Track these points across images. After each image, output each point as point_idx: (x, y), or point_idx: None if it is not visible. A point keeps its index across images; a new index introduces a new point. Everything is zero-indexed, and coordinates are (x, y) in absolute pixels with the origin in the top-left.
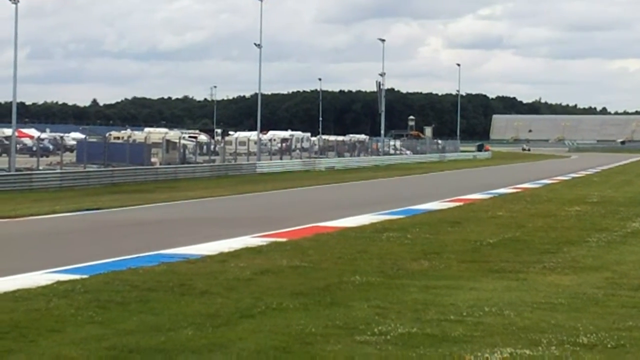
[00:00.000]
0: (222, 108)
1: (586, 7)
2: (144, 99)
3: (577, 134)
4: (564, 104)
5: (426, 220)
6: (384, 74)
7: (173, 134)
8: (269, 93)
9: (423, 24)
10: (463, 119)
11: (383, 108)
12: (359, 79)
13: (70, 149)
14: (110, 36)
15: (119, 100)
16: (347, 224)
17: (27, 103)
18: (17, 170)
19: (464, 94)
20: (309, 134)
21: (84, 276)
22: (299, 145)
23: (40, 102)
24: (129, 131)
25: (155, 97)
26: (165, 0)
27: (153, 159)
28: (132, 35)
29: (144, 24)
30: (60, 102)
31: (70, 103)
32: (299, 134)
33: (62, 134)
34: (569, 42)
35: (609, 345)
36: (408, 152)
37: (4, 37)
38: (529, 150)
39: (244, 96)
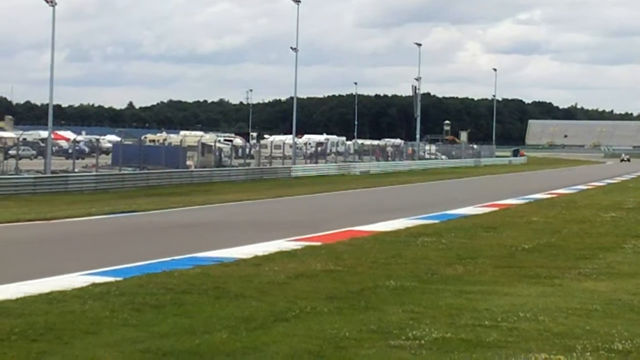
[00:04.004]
0: (257, 111)
1: (625, 12)
2: (180, 102)
3: (613, 139)
4: (600, 109)
5: (461, 225)
6: (420, 78)
7: (208, 137)
8: (305, 97)
9: (462, 29)
10: (499, 124)
11: (419, 112)
12: (396, 83)
13: (106, 152)
14: (148, 39)
15: (155, 103)
16: (381, 229)
17: (64, 105)
18: (52, 172)
19: (500, 99)
20: (344, 138)
21: (119, 279)
22: (334, 149)
23: (77, 104)
24: (164, 134)
25: (191, 100)
26: (204, 4)
27: (188, 162)
28: (170, 39)
29: (182, 28)
30: (96, 105)
31: (106, 106)
32: (334, 138)
33: (97, 137)
34: (608, 47)
35: None
36: (443, 156)
37: (44, 40)
38: (628, 160)
39: (279, 100)
